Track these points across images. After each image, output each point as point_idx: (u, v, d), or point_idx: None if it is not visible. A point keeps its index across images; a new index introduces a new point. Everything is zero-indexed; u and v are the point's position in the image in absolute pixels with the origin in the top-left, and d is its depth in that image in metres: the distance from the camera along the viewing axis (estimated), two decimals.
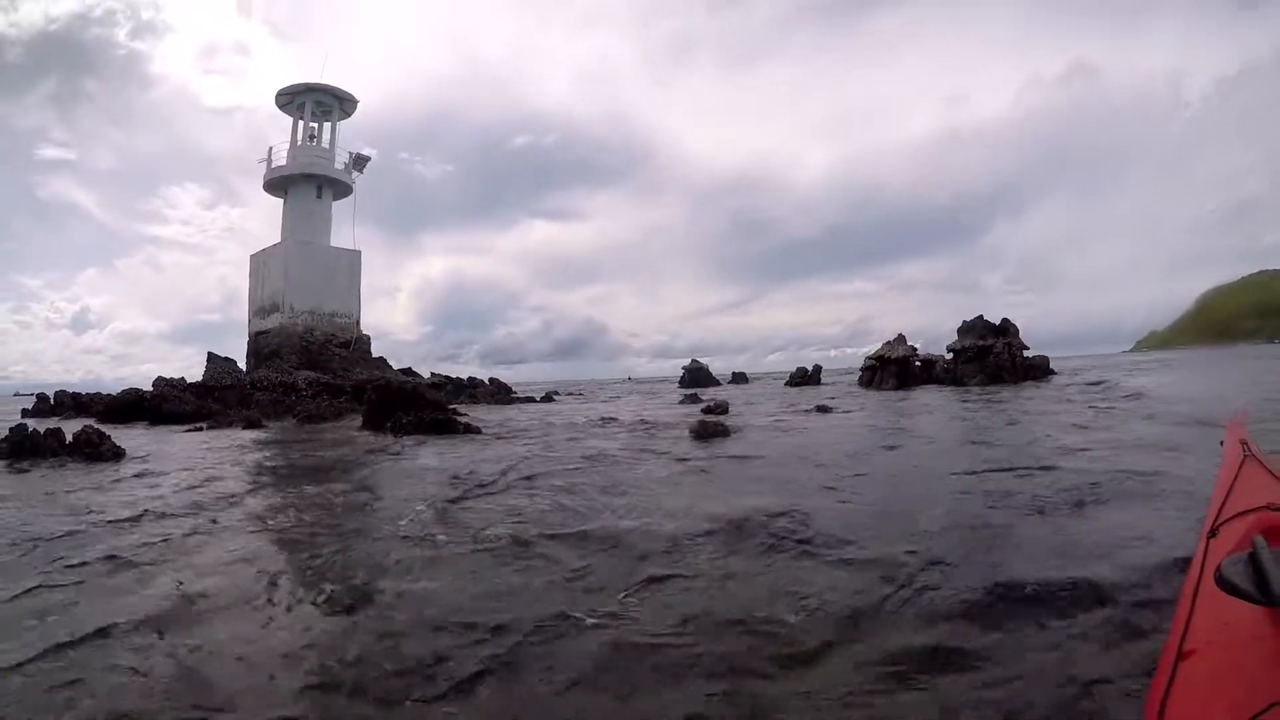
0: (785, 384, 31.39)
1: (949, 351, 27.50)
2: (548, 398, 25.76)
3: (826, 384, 29.95)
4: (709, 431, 8.28)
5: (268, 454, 8.60)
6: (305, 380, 20.82)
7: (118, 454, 8.25)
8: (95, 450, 8.21)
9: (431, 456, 7.52)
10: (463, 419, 10.68)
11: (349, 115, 29.40)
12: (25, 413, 23.32)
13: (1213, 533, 1.57)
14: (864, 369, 27.98)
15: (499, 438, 9.24)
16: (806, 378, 30.07)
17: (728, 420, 9.94)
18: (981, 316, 27.49)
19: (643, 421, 11.23)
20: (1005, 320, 27.38)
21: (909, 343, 27.41)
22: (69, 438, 8.47)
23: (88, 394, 23.18)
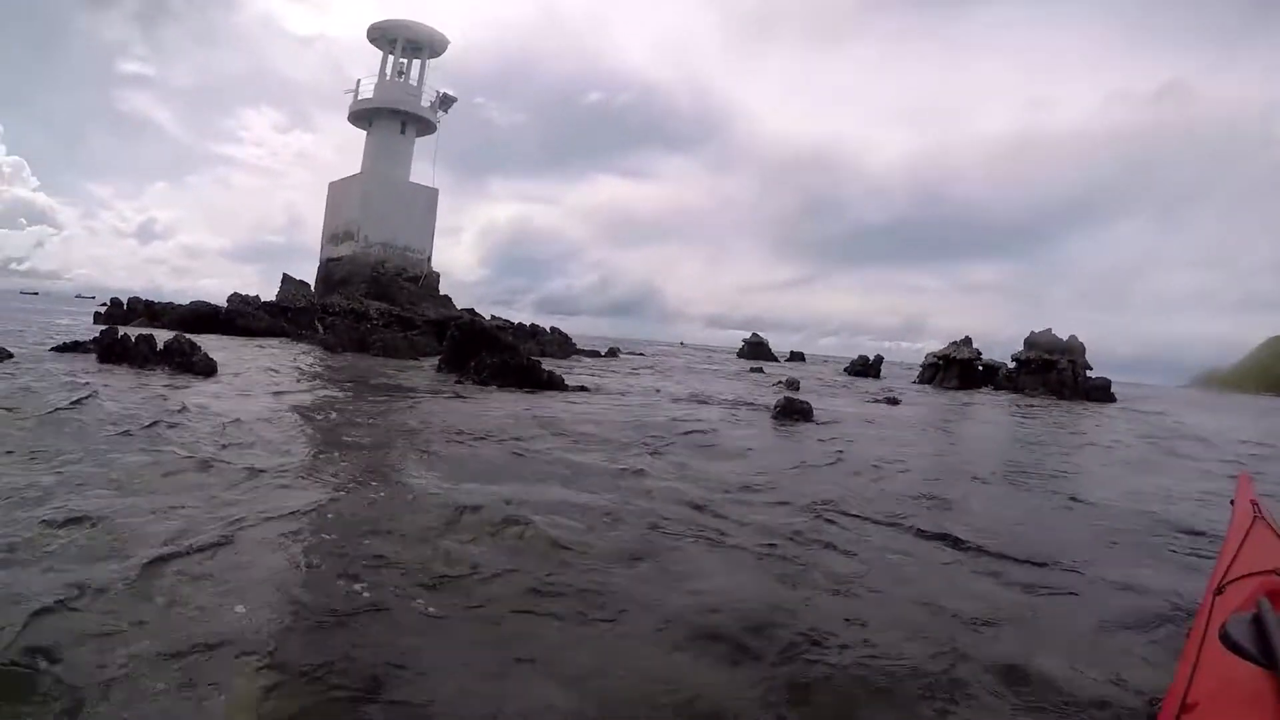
0: (844, 370, 31.17)
1: (1012, 360, 27.07)
2: (612, 353, 25.91)
3: (886, 376, 29.54)
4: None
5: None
6: (377, 310, 21.27)
7: (209, 369, 8.41)
8: (186, 361, 8.45)
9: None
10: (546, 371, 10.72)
11: (438, 55, 29.48)
12: (97, 316, 24.22)
13: (1219, 590, 1.59)
14: (926, 365, 27.71)
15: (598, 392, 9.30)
16: (867, 367, 29.73)
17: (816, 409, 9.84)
18: (1050, 330, 26.94)
19: (742, 402, 10.96)
20: (1073, 337, 26.79)
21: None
22: (159, 345, 8.85)
23: (160, 303, 23.97)
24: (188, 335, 9.76)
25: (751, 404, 10.12)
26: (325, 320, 19.44)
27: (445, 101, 29.21)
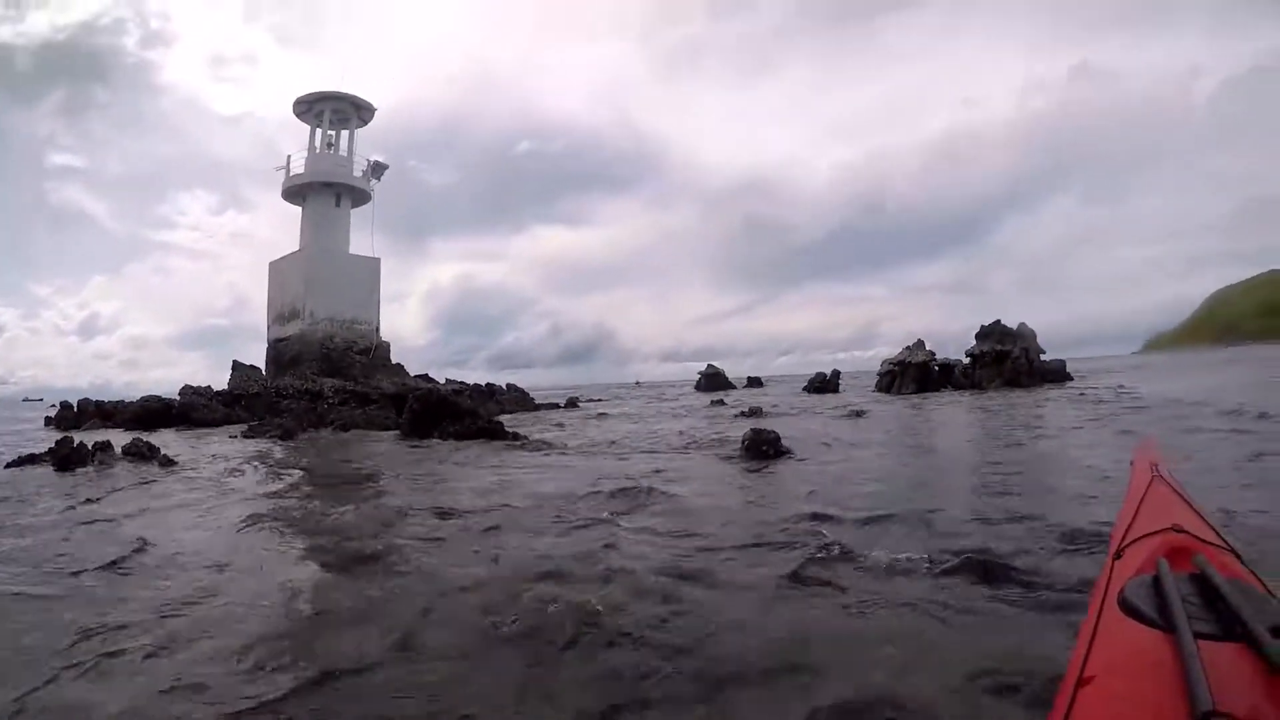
0: (803, 389, 31.37)
1: (967, 356, 27.54)
2: (571, 403, 25.76)
3: (844, 390, 29.83)
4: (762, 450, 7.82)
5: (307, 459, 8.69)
6: (331, 388, 20.94)
7: (167, 463, 8.35)
8: (144, 460, 8.47)
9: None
10: (510, 429, 10.70)
11: (366, 123, 29.53)
12: (48, 421, 23.46)
13: (1118, 554, 1.52)
14: (883, 373, 28.01)
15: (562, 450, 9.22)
16: (825, 383, 29.99)
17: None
18: (999, 321, 27.48)
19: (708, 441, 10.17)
20: (1022, 324, 27.39)
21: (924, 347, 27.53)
22: (117, 449, 8.72)
23: (110, 401, 23.31)
24: (144, 437, 9.80)
25: (718, 440, 9.83)
26: (279, 404, 19.11)
27: (377, 169, 29.20)
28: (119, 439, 14.69)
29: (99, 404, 22.69)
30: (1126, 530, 1.64)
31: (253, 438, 12.69)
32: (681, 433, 11.46)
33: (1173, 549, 1.39)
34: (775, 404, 20.54)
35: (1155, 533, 1.51)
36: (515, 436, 10.20)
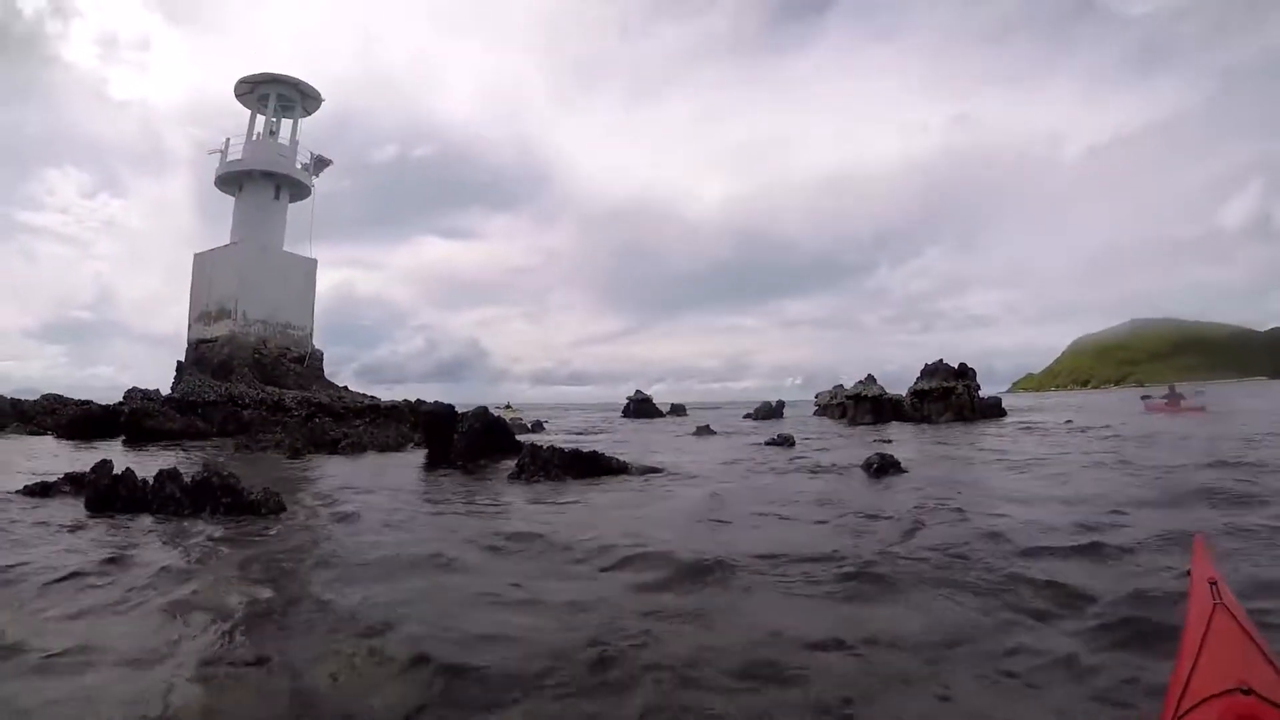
0: (746, 416, 31.62)
1: (909, 393, 28.50)
2: (538, 426, 24.34)
3: (787, 417, 30.21)
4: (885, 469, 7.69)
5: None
6: (294, 400, 18.83)
7: (277, 505, 5.82)
8: (238, 501, 5.76)
9: None
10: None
11: (310, 113, 27.44)
12: None
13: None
14: (833, 404, 28.76)
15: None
16: (771, 411, 30.51)
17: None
18: (942, 360, 28.71)
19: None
20: (963, 365, 28.69)
21: (791, 379, 28.89)
22: (186, 479, 6.10)
23: (28, 401, 20.01)
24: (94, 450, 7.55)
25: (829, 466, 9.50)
26: (242, 415, 16.95)
27: (319, 164, 27.15)
28: (59, 451, 12.55)
29: (15, 403, 19.37)
30: (1187, 685, 1.51)
31: (254, 458, 10.72)
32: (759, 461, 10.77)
33: (1240, 718, 1.30)
34: (743, 432, 20.14)
35: (1220, 694, 1.40)
36: (617, 464, 8.77)
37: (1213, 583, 1.94)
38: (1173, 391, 27.71)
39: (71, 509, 5.86)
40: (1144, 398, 31.21)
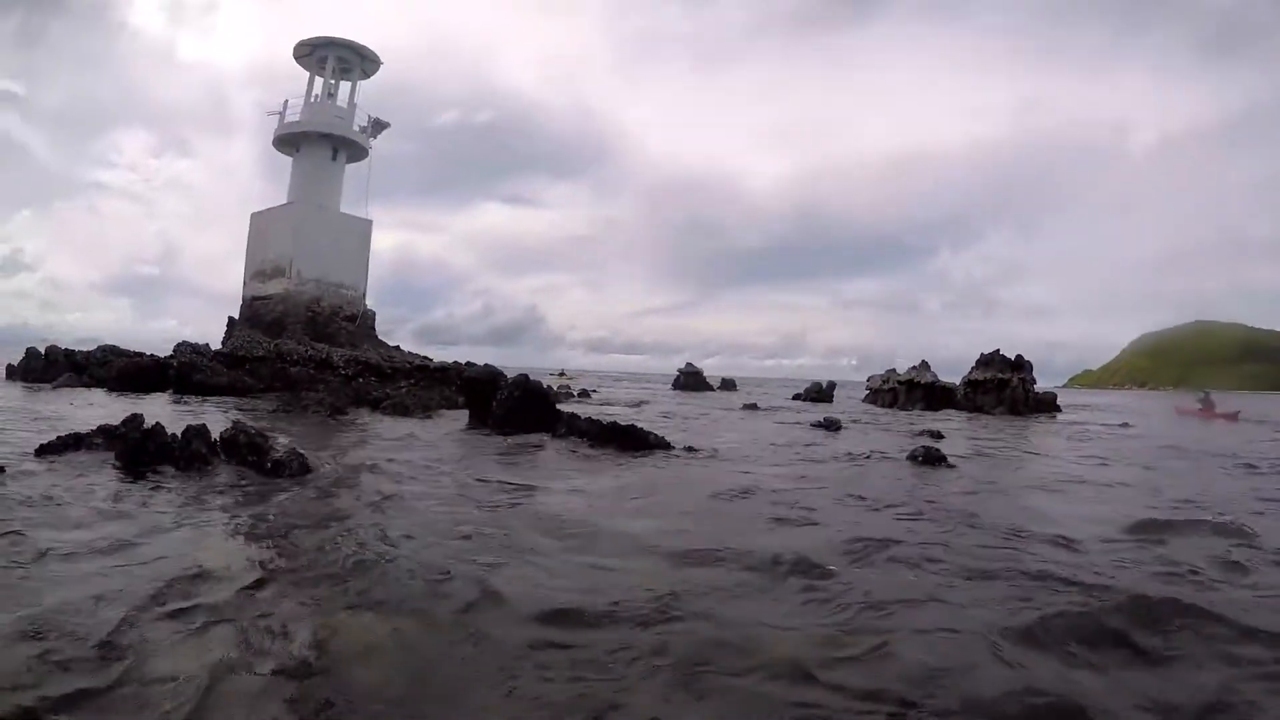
0: (795, 396, 31.06)
1: (964, 383, 27.63)
2: (584, 394, 24.17)
3: (836, 400, 29.54)
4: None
5: None
6: (342, 358, 19.16)
7: (303, 467, 5.82)
8: (262, 460, 5.82)
9: None
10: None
11: (369, 76, 27.48)
12: (11, 371, 20.76)
13: None
14: (881, 389, 28.10)
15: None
16: (821, 393, 29.89)
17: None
18: (999, 351, 27.77)
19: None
20: (1020, 356, 27.67)
21: (846, 359, 28.21)
22: (214, 437, 6.28)
23: (81, 351, 20.80)
24: (138, 402, 7.56)
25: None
26: (288, 371, 17.28)
27: (377, 126, 27.27)
28: (104, 403, 12.97)
29: (69, 354, 20.11)
30: None
31: (295, 415, 10.89)
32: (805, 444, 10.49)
33: None
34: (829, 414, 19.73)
35: None
36: (662, 443, 8.52)
37: None
38: (1207, 397, 27.46)
39: (100, 460, 5.95)
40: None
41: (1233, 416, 24.57)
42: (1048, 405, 27.35)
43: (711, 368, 43.18)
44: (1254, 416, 26.52)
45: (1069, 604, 3.15)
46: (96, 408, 11.66)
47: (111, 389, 15.91)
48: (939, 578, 3.59)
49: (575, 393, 24.07)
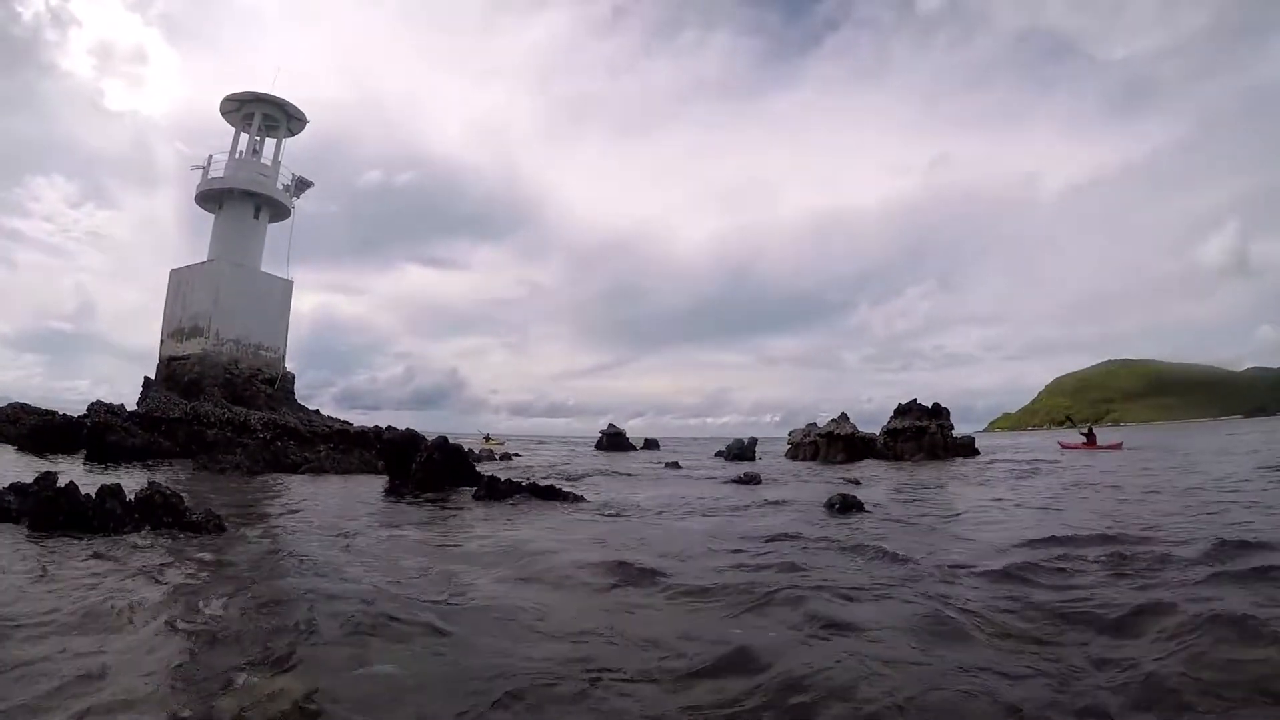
0: (717, 454, 31.44)
1: (883, 432, 28.63)
2: (506, 457, 24.05)
3: (760, 456, 30.00)
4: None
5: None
6: (260, 421, 18.59)
7: (218, 528, 5.82)
8: (180, 520, 5.80)
9: None
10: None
11: (295, 134, 27.52)
12: None
13: None
14: (803, 443, 28.79)
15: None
16: (743, 450, 30.22)
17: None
18: (916, 400, 29.01)
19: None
20: (937, 404, 28.97)
21: (770, 415, 29.11)
22: (129, 497, 6.14)
23: None
24: (50, 465, 7.12)
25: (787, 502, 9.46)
26: (205, 435, 16.68)
27: (301, 185, 27.27)
28: (13, 463, 12.28)
29: None
30: None
31: (212, 478, 10.66)
32: (715, 499, 10.76)
33: None
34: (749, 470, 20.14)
35: None
36: (570, 496, 8.95)
37: None
38: (1090, 432, 31.10)
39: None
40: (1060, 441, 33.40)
41: (1116, 446, 26.59)
42: (966, 449, 28.56)
43: (636, 429, 44.07)
44: (1137, 444, 28.95)
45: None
46: (5, 468, 11.12)
47: (22, 448, 15.10)
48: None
49: (498, 456, 23.93)
